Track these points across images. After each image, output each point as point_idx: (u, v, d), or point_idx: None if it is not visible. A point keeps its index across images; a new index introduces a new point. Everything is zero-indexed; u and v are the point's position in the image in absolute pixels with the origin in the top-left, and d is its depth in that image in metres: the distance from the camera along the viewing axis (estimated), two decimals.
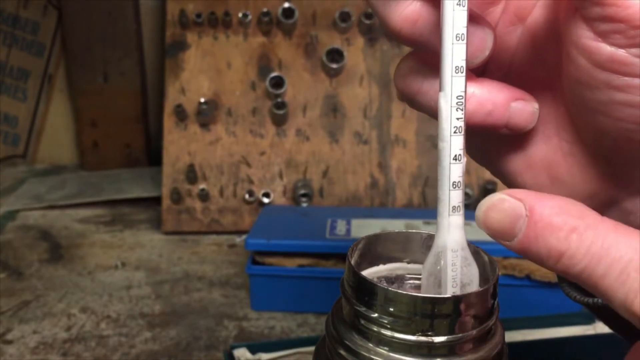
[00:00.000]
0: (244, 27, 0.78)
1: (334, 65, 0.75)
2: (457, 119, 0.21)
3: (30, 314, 0.56)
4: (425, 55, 0.23)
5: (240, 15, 0.77)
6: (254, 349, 0.44)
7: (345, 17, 0.76)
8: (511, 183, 0.26)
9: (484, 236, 0.61)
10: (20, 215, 0.81)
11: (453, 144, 0.21)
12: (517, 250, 0.19)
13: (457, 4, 0.20)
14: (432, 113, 0.22)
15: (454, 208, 0.22)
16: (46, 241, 0.73)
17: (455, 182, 0.21)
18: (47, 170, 1.00)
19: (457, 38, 0.20)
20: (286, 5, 0.76)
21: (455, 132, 0.21)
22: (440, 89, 0.21)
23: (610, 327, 0.26)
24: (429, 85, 0.23)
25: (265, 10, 0.76)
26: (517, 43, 0.24)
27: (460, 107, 0.21)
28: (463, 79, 0.21)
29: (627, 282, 0.16)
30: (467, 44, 0.21)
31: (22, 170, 1.00)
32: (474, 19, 0.22)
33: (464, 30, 0.20)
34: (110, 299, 0.59)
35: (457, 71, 0.20)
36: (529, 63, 0.24)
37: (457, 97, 0.21)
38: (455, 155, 0.21)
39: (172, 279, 0.63)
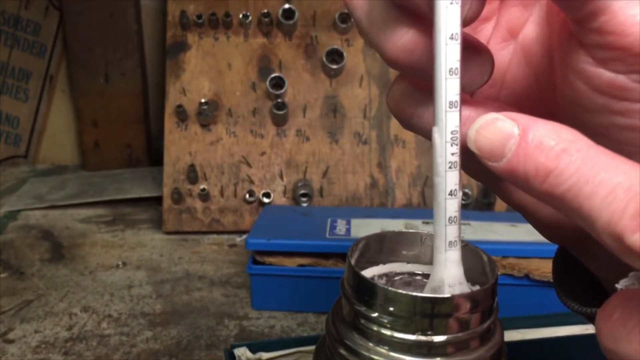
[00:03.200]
0: (244, 28, 0.78)
1: (334, 66, 0.76)
2: (452, 154, 0.20)
3: (32, 313, 0.56)
4: (418, 79, 0.22)
5: (240, 16, 0.77)
6: (254, 348, 0.44)
7: (345, 18, 0.76)
8: (507, 199, 0.26)
9: (484, 236, 0.62)
10: (21, 215, 0.81)
11: (448, 179, 0.21)
12: (504, 172, 0.18)
13: (450, 38, 0.19)
14: (427, 135, 0.22)
15: (450, 243, 0.21)
16: (47, 241, 0.73)
17: (451, 217, 0.21)
18: (48, 171, 1.00)
19: (451, 72, 0.20)
20: (286, 6, 0.76)
21: (450, 168, 0.21)
22: (434, 123, 0.20)
23: None
24: (423, 109, 0.22)
25: (265, 11, 0.76)
26: (509, 59, 0.24)
27: (455, 142, 0.20)
28: (457, 113, 0.20)
29: (614, 203, 0.16)
30: (466, 69, 0.21)
31: (24, 171, 1.00)
32: (471, 44, 0.22)
33: (457, 64, 0.20)
34: (112, 298, 0.59)
35: (451, 106, 0.20)
36: (521, 79, 0.24)
37: (452, 132, 0.20)
38: (451, 191, 0.21)
39: (173, 279, 0.63)
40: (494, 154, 0.18)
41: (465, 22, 0.20)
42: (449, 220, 0.21)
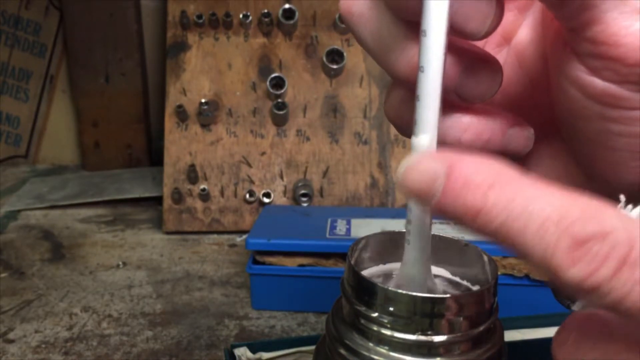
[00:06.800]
0: (244, 28, 0.78)
1: (334, 66, 0.76)
2: None
3: (32, 313, 0.56)
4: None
5: (240, 16, 0.77)
6: (254, 348, 0.44)
7: None
8: None
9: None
10: (22, 215, 0.81)
11: None
12: (437, 211, 0.18)
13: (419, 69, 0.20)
14: None
15: (407, 241, 0.23)
16: (48, 241, 0.73)
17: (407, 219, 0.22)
18: (48, 170, 1.00)
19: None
20: (286, 6, 0.76)
21: None
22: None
23: None
24: None
25: (265, 11, 0.76)
26: (503, 64, 0.24)
27: None
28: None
29: (546, 237, 0.15)
30: (477, 81, 0.21)
31: (24, 170, 1.00)
32: (480, 56, 0.22)
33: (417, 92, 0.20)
34: (112, 298, 0.59)
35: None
36: (515, 83, 0.24)
37: None
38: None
39: (173, 279, 0.63)
40: (423, 196, 0.18)
41: (472, 37, 0.20)
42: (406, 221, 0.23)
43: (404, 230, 0.27)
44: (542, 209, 0.16)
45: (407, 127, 0.23)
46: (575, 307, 0.19)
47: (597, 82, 0.19)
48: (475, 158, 0.18)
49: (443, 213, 0.18)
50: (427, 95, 0.20)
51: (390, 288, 0.22)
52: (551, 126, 0.23)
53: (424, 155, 0.18)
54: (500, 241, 0.17)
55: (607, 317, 0.17)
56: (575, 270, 0.15)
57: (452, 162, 0.17)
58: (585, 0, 0.17)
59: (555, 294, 0.27)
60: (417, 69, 0.20)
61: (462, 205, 0.17)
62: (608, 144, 0.20)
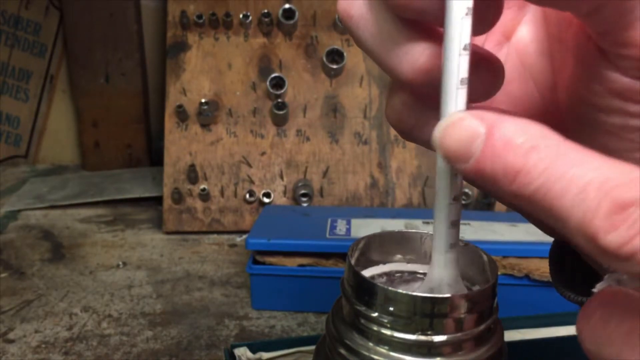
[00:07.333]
0: (244, 28, 0.78)
1: (334, 66, 0.76)
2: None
3: (32, 313, 0.56)
4: (418, 90, 0.21)
5: (240, 16, 0.77)
6: (254, 348, 0.44)
7: None
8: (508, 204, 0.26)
9: (484, 236, 0.62)
10: (22, 215, 0.81)
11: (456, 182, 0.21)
12: (472, 173, 0.17)
13: (464, 49, 0.19)
14: (427, 145, 0.21)
15: (451, 245, 0.22)
16: (48, 241, 0.73)
17: (454, 220, 0.21)
18: (48, 170, 1.00)
19: (462, 83, 0.20)
20: (286, 6, 0.76)
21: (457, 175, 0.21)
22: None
23: None
24: (426, 120, 0.22)
25: (265, 11, 0.76)
26: (504, 62, 0.24)
27: None
28: None
29: (586, 200, 0.15)
30: (480, 81, 0.21)
31: (24, 170, 1.00)
32: (483, 55, 0.21)
33: (467, 75, 0.19)
34: (112, 298, 0.59)
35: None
36: (517, 80, 0.24)
37: None
38: (456, 196, 0.21)
39: (173, 279, 0.63)
40: (461, 155, 0.17)
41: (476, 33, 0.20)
42: (452, 223, 0.21)
43: (405, 230, 0.27)
44: (585, 173, 0.15)
45: (409, 132, 0.23)
46: (597, 288, 0.19)
47: (622, 79, 0.19)
48: (517, 119, 0.17)
49: (479, 175, 0.17)
50: (451, 87, 0.19)
51: (390, 288, 0.22)
52: (553, 120, 0.23)
53: (463, 114, 0.18)
54: (536, 205, 0.16)
55: (634, 294, 0.17)
56: (614, 235, 0.15)
57: (493, 122, 0.17)
58: (620, 9, 0.17)
59: (557, 287, 0.27)
60: (425, 68, 0.20)
61: (502, 165, 0.17)
62: (627, 137, 0.20)
